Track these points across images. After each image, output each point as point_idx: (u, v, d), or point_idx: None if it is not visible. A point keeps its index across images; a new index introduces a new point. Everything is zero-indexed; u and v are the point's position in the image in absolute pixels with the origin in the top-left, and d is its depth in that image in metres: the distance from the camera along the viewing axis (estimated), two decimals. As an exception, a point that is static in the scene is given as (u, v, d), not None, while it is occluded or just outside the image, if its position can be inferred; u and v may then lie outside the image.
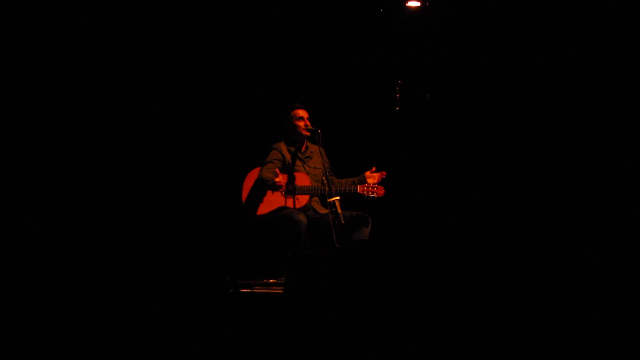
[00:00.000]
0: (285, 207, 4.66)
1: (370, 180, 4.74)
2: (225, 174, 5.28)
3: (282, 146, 4.90)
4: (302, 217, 4.53)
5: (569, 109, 5.21)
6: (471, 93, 5.50)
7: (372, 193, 4.68)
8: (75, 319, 3.75)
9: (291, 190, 4.71)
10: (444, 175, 5.47)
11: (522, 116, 5.33)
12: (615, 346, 3.26)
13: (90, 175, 5.05)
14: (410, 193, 5.45)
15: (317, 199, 4.80)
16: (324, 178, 4.67)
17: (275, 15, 5.50)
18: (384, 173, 4.77)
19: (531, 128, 5.28)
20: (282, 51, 5.59)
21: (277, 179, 4.59)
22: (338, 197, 4.51)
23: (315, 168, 4.88)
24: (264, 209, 4.68)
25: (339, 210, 4.45)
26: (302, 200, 4.68)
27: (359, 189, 4.69)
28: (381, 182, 4.75)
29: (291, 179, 4.74)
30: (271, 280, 4.51)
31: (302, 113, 4.89)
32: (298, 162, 4.85)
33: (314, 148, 4.93)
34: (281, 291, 4.14)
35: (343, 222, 4.46)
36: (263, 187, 4.69)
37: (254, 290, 4.32)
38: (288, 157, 4.84)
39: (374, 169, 4.77)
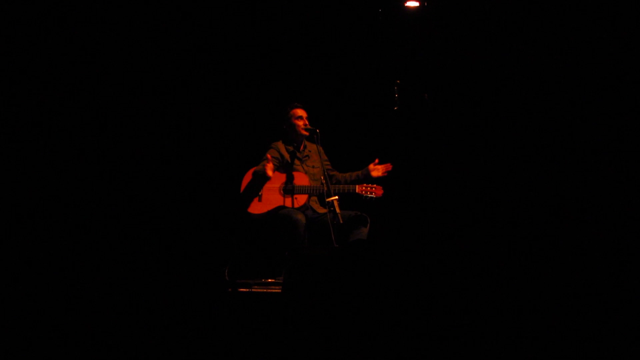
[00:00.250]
0: (283, 207, 4.66)
1: (374, 174, 4.73)
2: (224, 174, 5.28)
3: (280, 145, 4.90)
4: (300, 217, 4.53)
5: (568, 108, 5.22)
6: (470, 93, 5.50)
7: (371, 193, 4.68)
8: (75, 319, 3.74)
9: (290, 189, 4.71)
10: (442, 175, 5.47)
11: (520, 115, 5.33)
12: (615, 346, 3.26)
13: (89, 175, 5.04)
14: (409, 193, 5.45)
15: (315, 198, 4.80)
16: (322, 177, 4.67)
17: (274, 15, 5.49)
18: (390, 165, 4.77)
19: (530, 127, 5.29)
20: (280, 51, 5.59)
21: (266, 167, 4.56)
22: (336, 197, 4.52)
23: (313, 167, 4.87)
24: (262, 208, 4.68)
25: (338, 210, 4.46)
26: (301, 199, 4.68)
27: (357, 188, 4.69)
28: (380, 182, 4.74)
29: (290, 179, 4.74)
30: (269, 280, 4.51)
31: (301, 112, 4.90)
32: (296, 162, 4.85)
33: (312, 147, 4.93)
34: (279, 291, 4.13)
35: (341, 221, 4.46)
36: (256, 181, 4.67)
37: (253, 290, 4.31)
38: (287, 156, 4.85)
39: (376, 161, 4.77)
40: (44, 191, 4.86)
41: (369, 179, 4.76)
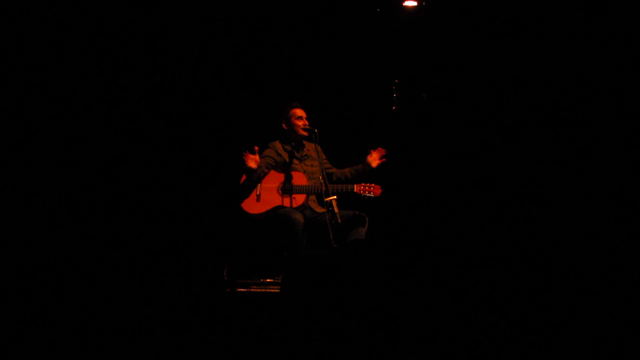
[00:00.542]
0: (282, 206, 4.65)
1: (373, 164, 4.79)
2: (223, 174, 5.28)
3: (278, 145, 4.90)
4: (299, 216, 4.53)
5: (567, 108, 5.22)
6: (468, 92, 5.50)
7: (369, 192, 4.68)
8: (74, 319, 3.74)
9: (288, 189, 4.71)
10: (440, 174, 5.47)
11: (518, 115, 5.34)
12: (615, 346, 3.27)
13: (88, 175, 5.04)
14: (407, 192, 5.46)
15: (314, 197, 4.80)
16: (320, 177, 4.67)
17: (272, 14, 5.49)
18: (382, 149, 4.81)
19: (528, 126, 5.29)
20: (279, 50, 5.59)
21: (245, 157, 4.55)
22: (335, 197, 4.52)
23: (312, 167, 4.88)
24: (260, 208, 4.68)
25: (336, 210, 4.45)
26: (299, 199, 4.68)
27: (355, 188, 4.69)
28: (379, 182, 4.75)
29: (288, 178, 4.74)
30: (268, 280, 4.51)
31: (300, 112, 4.90)
32: (295, 161, 4.85)
33: (310, 147, 4.93)
34: (278, 290, 4.14)
35: (340, 221, 4.45)
36: (250, 180, 4.67)
37: (251, 290, 4.32)
38: (285, 155, 4.85)
39: (371, 151, 4.80)
40: (42, 190, 4.86)
41: (367, 170, 4.80)
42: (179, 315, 3.79)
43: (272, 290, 4.24)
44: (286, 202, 4.67)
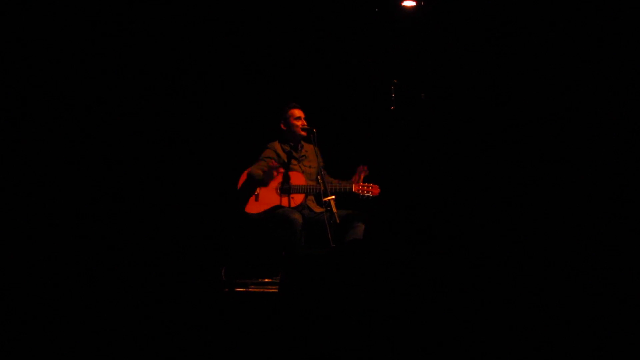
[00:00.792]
0: (280, 206, 4.65)
1: (354, 188, 4.71)
2: (221, 174, 5.27)
3: (276, 145, 4.90)
4: (297, 216, 4.53)
5: (567, 108, 5.21)
6: (467, 92, 5.49)
7: (368, 192, 4.68)
8: (73, 319, 3.74)
9: (286, 189, 4.70)
10: (439, 174, 5.46)
11: (518, 114, 5.33)
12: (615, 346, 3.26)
13: (87, 174, 5.04)
14: (406, 192, 5.44)
15: (312, 197, 4.81)
16: (319, 177, 4.67)
17: (271, 14, 5.49)
18: (362, 168, 4.74)
19: (528, 126, 5.28)
20: (277, 50, 5.59)
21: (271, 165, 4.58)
22: (333, 197, 4.51)
23: (310, 167, 4.88)
24: (259, 207, 4.68)
25: (334, 210, 4.45)
26: (298, 199, 4.68)
27: (354, 187, 4.70)
28: (377, 182, 4.74)
29: (286, 178, 4.73)
30: (266, 280, 4.51)
31: (299, 113, 4.91)
32: (293, 161, 4.85)
33: (308, 147, 4.94)
34: (276, 290, 4.13)
35: (338, 221, 4.45)
36: (252, 183, 4.67)
37: (249, 290, 4.31)
38: (283, 156, 4.85)
39: (355, 176, 4.75)
40: (42, 190, 4.86)
41: (348, 190, 4.71)
42: (177, 315, 3.78)
43: (271, 290, 4.23)
44: (284, 201, 4.67)
